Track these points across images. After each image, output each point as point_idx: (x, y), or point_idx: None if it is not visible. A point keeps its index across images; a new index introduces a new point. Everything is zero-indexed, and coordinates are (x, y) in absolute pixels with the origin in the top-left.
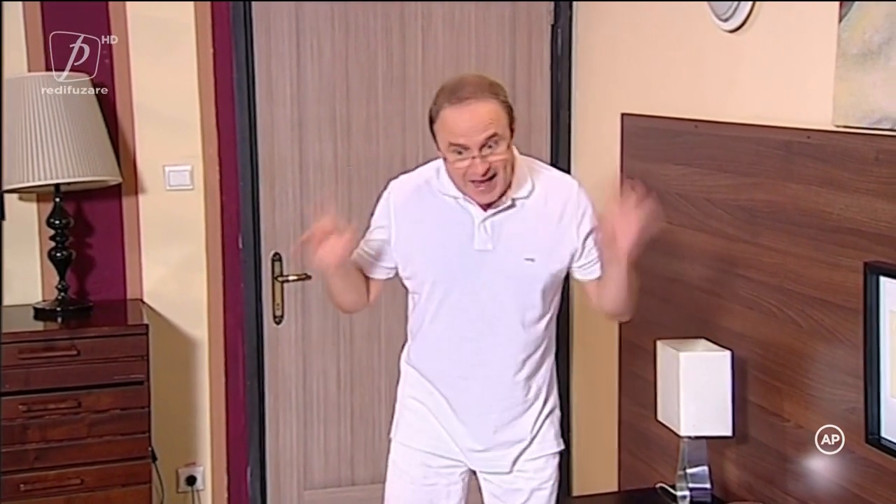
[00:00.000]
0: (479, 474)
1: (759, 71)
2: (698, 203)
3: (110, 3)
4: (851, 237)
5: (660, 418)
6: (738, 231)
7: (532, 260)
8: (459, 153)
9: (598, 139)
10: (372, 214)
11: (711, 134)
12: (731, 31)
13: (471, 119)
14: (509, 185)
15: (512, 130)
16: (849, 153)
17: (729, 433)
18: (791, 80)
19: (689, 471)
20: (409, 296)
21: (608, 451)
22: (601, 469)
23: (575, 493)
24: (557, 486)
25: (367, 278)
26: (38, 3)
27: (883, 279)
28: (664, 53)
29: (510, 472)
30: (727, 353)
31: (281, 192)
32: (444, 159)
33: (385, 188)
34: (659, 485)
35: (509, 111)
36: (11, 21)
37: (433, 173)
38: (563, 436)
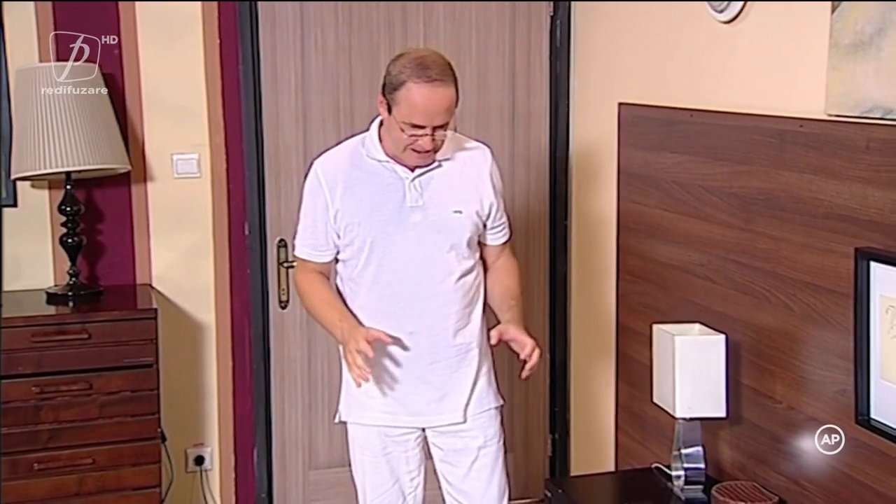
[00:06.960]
0: (429, 442)
1: (753, 61)
2: (693, 190)
3: None
4: (843, 223)
5: (656, 400)
6: (732, 218)
7: (460, 212)
8: (413, 127)
9: (595, 128)
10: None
11: (706, 123)
12: (726, 22)
13: (436, 103)
14: None
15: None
16: (840, 141)
17: (723, 414)
18: (784, 70)
19: (683, 451)
20: (340, 273)
21: (605, 432)
22: (599, 449)
23: (573, 472)
24: (504, 444)
25: (328, 271)
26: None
27: (873, 264)
28: (661, 44)
29: (464, 420)
30: (721, 337)
31: (286, 181)
32: (383, 123)
33: (308, 170)
34: (654, 465)
35: (457, 90)
36: (21, 13)
37: (357, 144)
38: (563, 417)
